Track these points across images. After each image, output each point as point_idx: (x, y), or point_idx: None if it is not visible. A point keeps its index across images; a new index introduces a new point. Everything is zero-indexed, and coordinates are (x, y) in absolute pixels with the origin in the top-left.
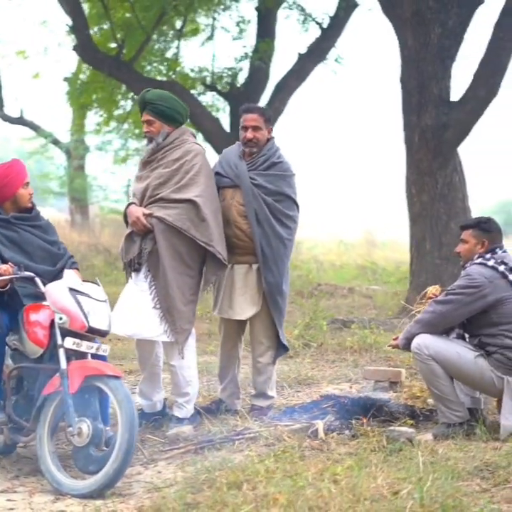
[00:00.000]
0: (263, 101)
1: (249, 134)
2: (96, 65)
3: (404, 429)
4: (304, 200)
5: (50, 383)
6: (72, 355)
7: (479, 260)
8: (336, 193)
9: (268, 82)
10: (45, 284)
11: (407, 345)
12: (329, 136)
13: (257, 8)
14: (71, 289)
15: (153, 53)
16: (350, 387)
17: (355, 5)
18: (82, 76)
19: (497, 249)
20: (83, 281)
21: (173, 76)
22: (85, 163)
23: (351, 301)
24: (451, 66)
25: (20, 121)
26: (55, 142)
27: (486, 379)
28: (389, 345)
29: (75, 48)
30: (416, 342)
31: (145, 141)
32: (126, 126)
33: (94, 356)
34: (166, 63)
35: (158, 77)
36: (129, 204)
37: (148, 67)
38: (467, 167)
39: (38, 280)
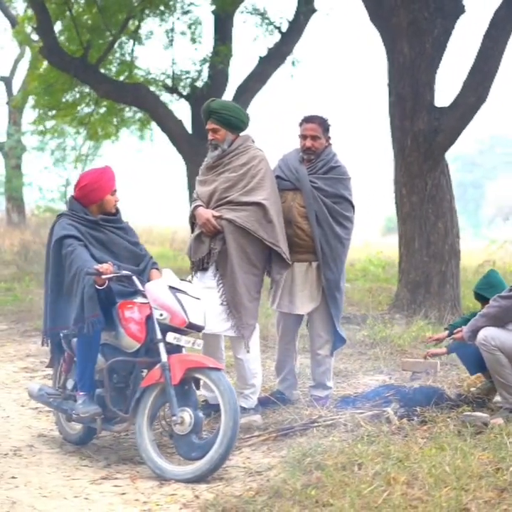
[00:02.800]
0: None
1: (308, 143)
2: (62, 67)
3: (479, 414)
4: None
5: (149, 375)
6: (167, 349)
7: None
8: None
9: (228, 85)
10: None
11: (472, 338)
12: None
13: (213, 12)
14: (171, 287)
15: (115, 56)
16: (390, 379)
17: (314, 10)
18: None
19: None
20: (181, 279)
21: (133, 78)
22: (22, 162)
23: None
24: (436, 73)
25: None
26: None
27: None
28: (452, 338)
29: (41, 51)
30: (482, 334)
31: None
32: (66, 127)
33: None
34: (124, 66)
35: (123, 80)
36: (196, 206)
37: (113, 70)
38: None
39: (135, 278)
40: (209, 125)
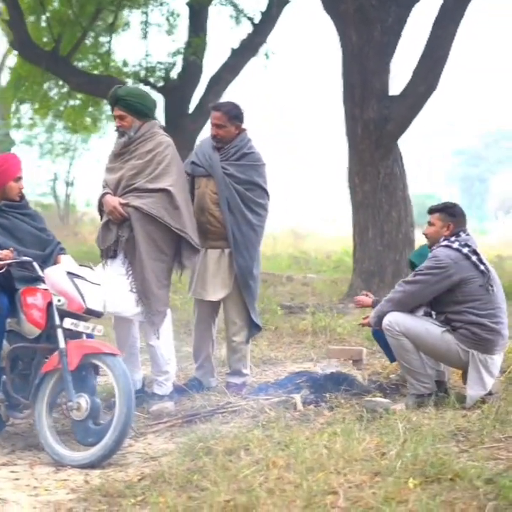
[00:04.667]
0: (198, 94)
1: (213, 131)
2: (33, 60)
3: (380, 399)
4: None
5: (49, 361)
6: (68, 335)
7: (445, 242)
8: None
9: (201, 76)
10: (41, 269)
11: (378, 323)
12: (264, 129)
13: (188, 4)
14: (69, 273)
15: (87, 48)
16: (315, 366)
17: (286, 1)
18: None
19: (461, 233)
20: (79, 265)
21: (105, 70)
22: None
23: (291, 289)
24: (390, 62)
25: None
26: None
27: (452, 352)
28: (360, 324)
29: (11, 44)
30: (387, 319)
31: (116, 135)
32: (53, 120)
33: (87, 336)
34: (99, 58)
35: (95, 71)
36: (104, 194)
37: (85, 62)
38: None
39: (35, 264)
40: (116, 111)
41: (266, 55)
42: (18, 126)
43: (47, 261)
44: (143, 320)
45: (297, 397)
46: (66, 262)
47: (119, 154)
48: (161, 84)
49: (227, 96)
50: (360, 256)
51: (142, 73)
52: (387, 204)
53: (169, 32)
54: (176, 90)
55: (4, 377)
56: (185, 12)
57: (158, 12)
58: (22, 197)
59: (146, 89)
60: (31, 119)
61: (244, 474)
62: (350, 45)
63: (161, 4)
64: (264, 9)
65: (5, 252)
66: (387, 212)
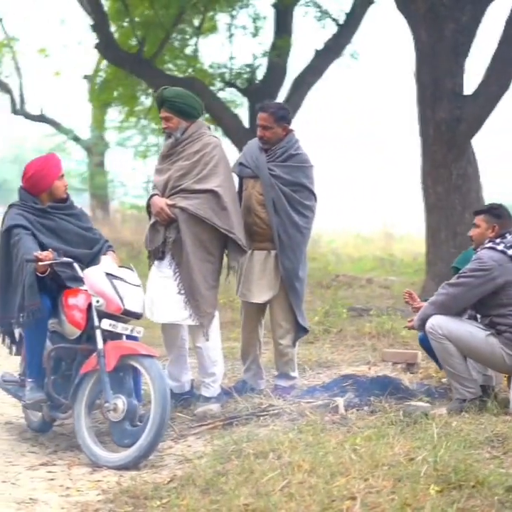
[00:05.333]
0: (281, 96)
1: (260, 132)
2: (117, 63)
3: (420, 403)
4: (322, 194)
5: (87, 362)
6: (108, 336)
7: (489, 244)
8: (354, 186)
9: (285, 78)
10: (83, 269)
11: (422, 326)
12: (347, 130)
13: (273, 5)
14: (107, 274)
15: (172, 50)
16: (369, 369)
17: (371, 2)
18: (101, 73)
19: (507, 234)
20: (119, 266)
21: (192, 73)
22: (105, 159)
23: (369, 291)
24: (465, 61)
25: (41, 118)
26: (76, 139)
27: (497, 356)
28: (405, 327)
29: (96, 46)
30: (430, 322)
31: (163, 137)
32: (145, 122)
33: (129, 337)
34: (184, 60)
35: (178, 74)
36: (152, 196)
37: (169, 64)
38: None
39: (76, 265)
40: (162, 113)
41: (352, 55)
42: (111, 128)
43: (95, 260)
44: (191, 323)
45: (340, 401)
46: (105, 262)
47: (167, 156)
48: (245, 86)
49: (311, 98)
50: (433, 258)
51: (227, 76)
52: (461, 205)
53: (254, 34)
54: (260, 92)
55: (46, 377)
56: (271, 14)
57: (245, 14)
58: (67, 196)
59: (231, 91)
60: (121, 122)
61: (268, 478)
62: (421, 44)
63: (247, 6)
64: (348, 10)
65: (45, 253)
66: (460, 214)
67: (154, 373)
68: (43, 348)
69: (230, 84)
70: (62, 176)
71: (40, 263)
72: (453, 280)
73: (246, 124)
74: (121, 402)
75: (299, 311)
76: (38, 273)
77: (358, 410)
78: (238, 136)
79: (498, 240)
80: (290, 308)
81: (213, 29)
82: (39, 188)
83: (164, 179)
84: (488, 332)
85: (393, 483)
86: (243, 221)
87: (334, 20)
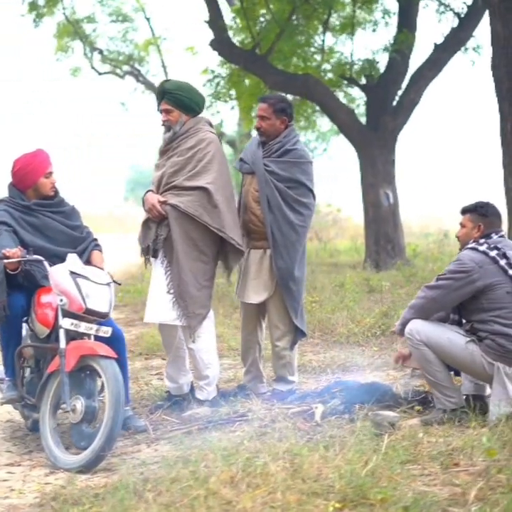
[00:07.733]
0: (399, 92)
1: (257, 123)
2: (232, 59)
3: (387, 413)
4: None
5: (53, 362)
6: (77, 336)
7: (472, 245)
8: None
9: (407, 73)
10: None
11: (402, 331)
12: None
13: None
14: (71, 272)
15: (296, 45)
16: (387, 375)
17: None
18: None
19: (492, 234)
20: (86, 265)
21: (310, 68)
22: None
23: None
24: None
25: None
26: (221, 134)
27: (477, 364)
28: (390, 331)
29: (211, 43)
30: (408, 327)
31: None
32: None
33: (97, 338)
34: (301, 57)
35: (297, 71)
36: (147, 191)
37: (285, 61)
38: None
39: (46, 263)
40: (162, 105)
41: (474, 49)
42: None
43: (80, 258)
44: (179, 324)
45: (320, 407)
46: (70, 261)
47: (164, 151)
48: (363, 81)
49: (429, 93)
50: None
51: (345, 70)
52: None
53: (373, 30)
54: (379, 88)
55: (28, 376)
56: (395, 8)
57: (367, 9)
58: (56, 193)
59: (348, 87)
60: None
61: (181, 487)
62: (495, 36)
63: (371, 2)
64: (470, 2)
65: (13, 250)
66: None
67: (110, 375)
68: (17, 346)
69: (349, 80)
70: (51, 173)
71: (5, 261)
72: (432, 283)
73: (363, 120)
74: (79, 404)
75: (294, 313)
76: (8, 270)
77: (337, 418)
78: (353, 133)
79: (481, 241)
80: (287, 310)
81: (345, 27)
82: (24, 184)
83: (159, 175)
84: (469, 338)
85: (298, 498)
86: (240, 219)
87: (456, 13)
